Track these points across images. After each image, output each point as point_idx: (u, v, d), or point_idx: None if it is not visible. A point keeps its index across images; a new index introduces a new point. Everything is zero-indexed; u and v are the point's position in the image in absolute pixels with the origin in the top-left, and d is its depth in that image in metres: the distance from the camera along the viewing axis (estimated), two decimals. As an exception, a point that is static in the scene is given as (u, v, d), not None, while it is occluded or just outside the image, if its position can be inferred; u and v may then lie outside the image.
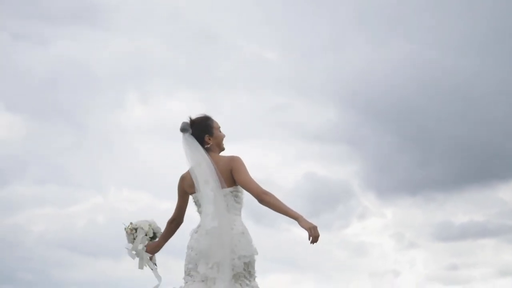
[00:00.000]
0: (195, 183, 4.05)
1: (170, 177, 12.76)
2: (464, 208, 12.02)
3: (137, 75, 12.71)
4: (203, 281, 4.05)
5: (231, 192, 4.05)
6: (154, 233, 4.50)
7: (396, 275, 11.69)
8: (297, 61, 12.59)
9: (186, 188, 4.19)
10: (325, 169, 12.71)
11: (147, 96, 12.84)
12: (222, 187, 4.02)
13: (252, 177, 4.02)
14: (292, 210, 3.95)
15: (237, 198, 4.08)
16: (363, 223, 11.95)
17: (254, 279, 4.03)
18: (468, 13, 11.75)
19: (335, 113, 12.42)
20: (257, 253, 4.02)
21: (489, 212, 12.22)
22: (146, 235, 4.49)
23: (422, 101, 11.70)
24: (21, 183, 12.46)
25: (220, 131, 4.21)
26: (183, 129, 4.11)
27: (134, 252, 4.53)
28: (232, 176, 4.03)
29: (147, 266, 4.65)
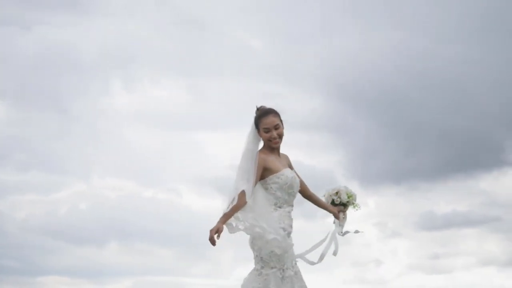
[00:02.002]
0: None
1: (154, 165, 12.73)
2: (447, 198, 12.06)
3: (122, 61, 12.61)
4: None
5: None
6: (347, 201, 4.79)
7: (379, 264, 11.72)
8: (284, 49, 12.53)
9: None
10: (309, 157, 12.67)
11: (132, 82, 12.74)
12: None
13: None
14: None
15: None
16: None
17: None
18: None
19: (321, 102, 12.38)
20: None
21: (472, 202, 12.27)
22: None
23: (408, 91, 11.69)
24: (4, 170, 12.36)
25: (266, 132, 4.36)
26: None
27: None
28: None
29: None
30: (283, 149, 4.51)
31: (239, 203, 4.18)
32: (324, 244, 4.71)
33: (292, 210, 4.36)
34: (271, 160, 4.35)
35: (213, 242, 4.07)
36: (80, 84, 12.50)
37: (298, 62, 12.29)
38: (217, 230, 4.09)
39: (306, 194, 4.67)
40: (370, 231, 12.15)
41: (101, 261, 12.12)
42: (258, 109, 4.47)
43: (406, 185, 11.93)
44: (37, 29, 12.40)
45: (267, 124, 4.35)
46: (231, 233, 4.20)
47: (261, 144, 4.44)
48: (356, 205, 4.78)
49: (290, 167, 4.55)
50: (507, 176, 12.13)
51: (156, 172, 12.59)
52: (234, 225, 4.21)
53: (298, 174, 4.58)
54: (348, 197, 4.72)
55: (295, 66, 12.31)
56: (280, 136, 4.39)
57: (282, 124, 4.43)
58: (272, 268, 4.21)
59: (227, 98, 12.47)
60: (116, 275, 12.11)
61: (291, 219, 4.34)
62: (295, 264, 4.37)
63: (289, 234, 4.28)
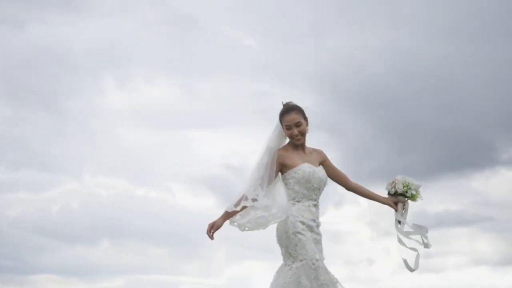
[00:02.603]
0: None
1: (146, 163, 12.73)
2: (439, 197, 12.08)
3: (116, 60, 12.60)
4: None
5: None
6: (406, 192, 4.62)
7: (371, 263, 11.74)
8: (277, 48, 12.53)
9: None
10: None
11: (126, 81, 12.73)
12: None
13: None
14: None
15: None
16: (339, 211, 11.98)
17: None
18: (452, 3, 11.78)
19: (314, 101, 12.38)
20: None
21: (464, 201, 12.30)
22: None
23: (401, 90, 11.71)
24: (-4, 168, 12.33)
25: (288, 129, 4.44)
26: None
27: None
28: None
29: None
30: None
31: (236, 209, 4.31)
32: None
33: (314, 204, 4.42)
34: (289, 156, 4.43)
35: (210, 236, 4.28)
36: (73, 83, 12.49)
37: (290, 61, 12.31)
38: (213, 226, 4.26)
39: (349, 186, 4.71)
40: (362, 230, 12.19)
41: (93, 259, 12.10)
42: (283, 105, 4.51)
43: (398, 185, 11.93)
44: (30, 28, 12.38)
45: (288, 121, 4.41)
46: (241, 231, 4.40)
47: (287, 140, 4.53)
48: (415, 196, 4.60)
49: (323, 163, 4.60)
50: (499, 176, 12.19)
51: (148, 171, 12.59)
52: (236, 224, 4.38)
53: (335, 168, 4.65)
54: (404, 187, 4.59)
55: (287, 65, 12.32)
56: (302, 133, 4.44)
57: (306, 121, 4.49)
58: (301, 260, 4.25)
59: (219, 97, 12.48)
60: (108, 273, 12.10)
61: (313, 213, 4.41)
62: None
63: (310, 227, 4.35)
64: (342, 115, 12.18)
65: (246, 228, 4.36)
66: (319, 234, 4.44)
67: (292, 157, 4.44)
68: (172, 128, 12.77)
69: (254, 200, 4.29)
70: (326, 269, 4.33)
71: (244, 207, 4.29)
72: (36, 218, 12.23)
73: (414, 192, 4.58)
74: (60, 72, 12.40)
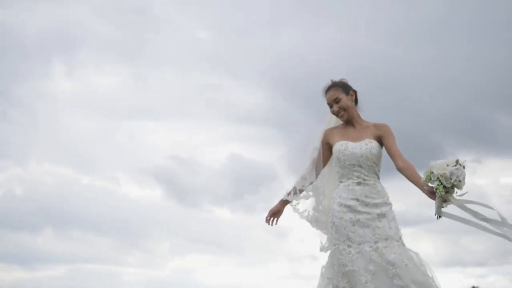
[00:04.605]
0: None
1: (93, 152, 12.55)
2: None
3: (65, 46, 12.38)
4: None
5: None
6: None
7: (314, 260, 11.82)
8: (230, 43, 12.50)
9: None
10: (251, 151, 12.71)
11: (75, 67, 12.54)
12: None
13: None
14: None
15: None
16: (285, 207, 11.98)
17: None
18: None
19: (265, 96, 12.40)
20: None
21: (409, 202, 12.47)
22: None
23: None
24: None
25: (330, 107, 4.37)
26: None
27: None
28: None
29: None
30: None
31: (288, 199, 4.37)
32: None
33: (357, 182, 4.17)
34: (333, 134, 4.35)
35: (270, 223, 4.34)
36: (21, 67, 12.25)
37: (243, 55, 12.30)
38: (274, 212, 4.32)
39: (397, 166, 4.20)
40: (307, 227, 12.25)
41: (35, 247, 11.92)
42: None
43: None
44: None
45: (328, 100, 4.35)
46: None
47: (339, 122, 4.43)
48: (452, 188, 3.77)
49: (380, 138, 4.28)
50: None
51: (95, 160, 12.45)
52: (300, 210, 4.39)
53: (389, 145, 4.24)
54: (440, 176, 3.81)
55: (240, 60, 12.31)
56: (344, 108, 4.29)
57: (349, 93, 4.34)
58: (334, 245, 4.17)
59: (169, 88, 12.40)
60: (50, 262, 11.94)
61: (355, 191, 4.16)
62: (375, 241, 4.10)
63: (350, 207, 4.13)
64: (291, 112, 12.22)
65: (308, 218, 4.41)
66: (364, 213, 4.12)
67: (335, 134, 4.34)
68: (120, 117, 12.64)
69: (300, 191, 4.34)
70: (365, 254, 4.04)
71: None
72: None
73: (449, 183, 3.78)
74: (8, 56, 12.14)
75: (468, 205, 3.90)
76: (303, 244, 12.17)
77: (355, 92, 4.39)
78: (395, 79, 11.72)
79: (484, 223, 3.87)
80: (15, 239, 11.98)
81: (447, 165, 3.77)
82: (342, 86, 4.35)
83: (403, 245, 4.12)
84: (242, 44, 12.37)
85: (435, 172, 3.80)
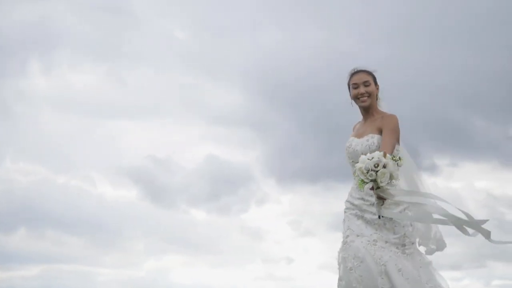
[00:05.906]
0: None
1: (69, 151, 12.45)
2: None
3: (41, 44, 12.27)
4: None
5: None
6: None
7: (290, 262, 11.82)
8: (208, 42, 12.45)
9: None
10: (227, 152, 12.68)
11: (51, 65, 12.41)
12: None
13: None
14: None
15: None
16: (261, 208, 12.00)
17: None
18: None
19: (242, 97, 12.38)
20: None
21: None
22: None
23: (331, 90, 11.80)
24: None
25: (355, 88, 4.22)
26: None
27: None
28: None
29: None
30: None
31: None
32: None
33: None
34: (354, 129, 4.33)
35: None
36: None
37: (221, 55, 12.27)
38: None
39: None
40: (283, 229, 12.25)
41: (9, 247, 11.78)
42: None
43: (321, 185, 12.06)
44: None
45: (356, 79, 4.23)
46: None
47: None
48: (375, 181, 3.57)
49: (381, 131, 4.09)
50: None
51: (70, 159, 12.34)
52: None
53: (383, 138, 4.04)
54: (358, 170, 3.65)
55: (218, 60, 12.27)
56: (370, 94, 4.21)
57: (376, 83, 4.28)
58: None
59: (147, 88, 12.33)
60: (24, 262, 11.81)
61: (357, 191, 4.04)
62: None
63: (357, 206, 4.06)
64: (269, 113, 12.21)
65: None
66: (369, 212, 4.00)
67: (354, 129, 4.33)
68: (96, 116, 12.55)
69: None
70: (370, 250, 3.92)
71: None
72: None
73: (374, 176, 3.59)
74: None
75: (415, 200, 3.83)
76: (279, 246, 12.18)
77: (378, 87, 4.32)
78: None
79: (438, 216, 3.72)
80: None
81: (369, 159, 3.56)
82: (372, 75, 4.32)
83: (406, 254, 4.00)
84: (221, 44, 12.34)
85: (357, 166, 3.63)
